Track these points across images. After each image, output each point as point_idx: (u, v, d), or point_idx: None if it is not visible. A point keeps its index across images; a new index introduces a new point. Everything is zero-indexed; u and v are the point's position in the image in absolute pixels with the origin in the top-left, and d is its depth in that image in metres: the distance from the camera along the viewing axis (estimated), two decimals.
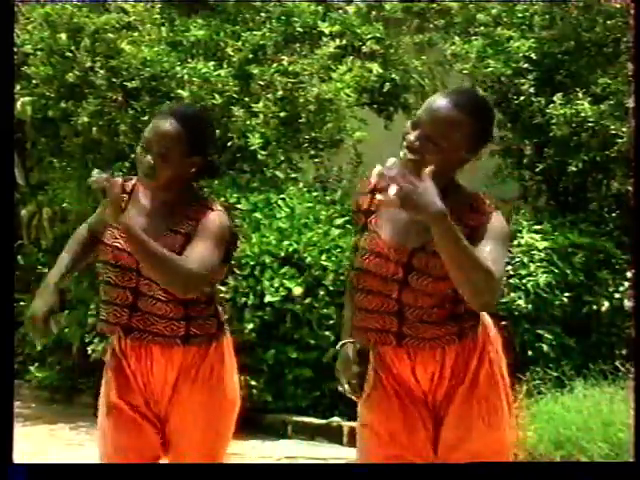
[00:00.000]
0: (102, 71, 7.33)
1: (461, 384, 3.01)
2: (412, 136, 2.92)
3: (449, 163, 2.92)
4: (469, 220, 2.92)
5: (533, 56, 7.19)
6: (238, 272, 6.77)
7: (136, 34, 7.39)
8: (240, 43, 7.47)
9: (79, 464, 3.74)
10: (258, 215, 7.06)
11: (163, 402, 3.34)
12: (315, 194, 7.44)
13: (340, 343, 3.26)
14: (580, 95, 6.97)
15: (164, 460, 3.46)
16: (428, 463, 3.07)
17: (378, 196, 2.72)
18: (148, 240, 3.13)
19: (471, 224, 2.91)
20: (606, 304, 6.79)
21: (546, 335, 6.61)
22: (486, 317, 3.07)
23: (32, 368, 8.18)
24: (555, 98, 7.02)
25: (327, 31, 7.64)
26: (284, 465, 4.18)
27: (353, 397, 3.20)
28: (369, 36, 7.86)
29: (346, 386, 3.22)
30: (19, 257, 8.34)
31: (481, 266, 2.75)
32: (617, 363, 6.48)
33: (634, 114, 6.36)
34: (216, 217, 3.26)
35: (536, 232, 6.87)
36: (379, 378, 3.08)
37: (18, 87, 7.46)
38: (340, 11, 7.89)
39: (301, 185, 7.51)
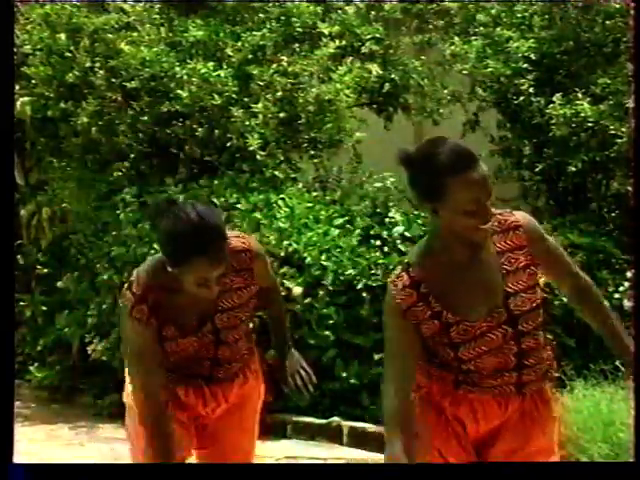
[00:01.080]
0: (101, 71, 7.33)
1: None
2: (489, 209, 2.86)
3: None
4: (504, 244, 2.95)
5: (532, 56, 7.18)
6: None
7: (135, 34, 7.38)
8: (239, 43, 7.47)
9: (79, 464, 3.75)
10: (258, 215, 7.05)
11: (211, 416, 3.53)
12: (315, 194, 7.44)
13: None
14: (579, 95, 6.96)
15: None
16: (427, 463, 3.04)
17: None
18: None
19: (508, 247, 2.95)
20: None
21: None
22: None
23: (32, 368, 8.18)
24: (554, 98, 7.01)
25: (327, 32, 7.63)
26: (284, 465, 4.17)
27: None
28: (369, 36, 7.85)
29: None
30: (19, 257, 8.33)
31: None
32: (617, 363, 6.45)
33: (634, 114, 6.35)
34: (261, 253, 3.44)
35: None
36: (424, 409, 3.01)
37: (17, 87, 7.46)
38: (339, 12, 7.88)
39: (300, 185, 7.50)
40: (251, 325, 3.58)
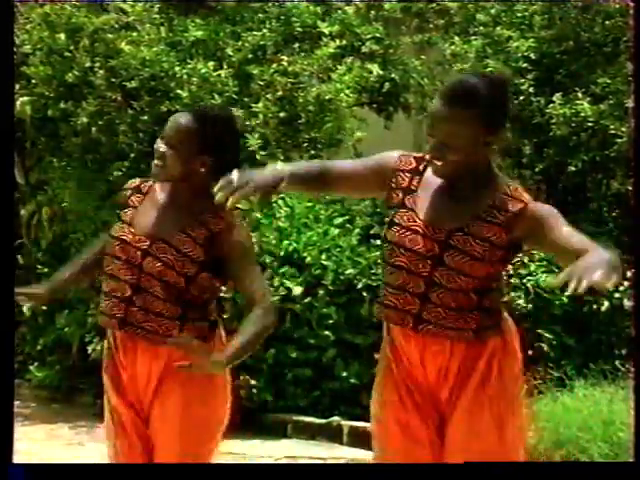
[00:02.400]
0: (101, 71, 7.31)
1: (466, 385, 3.01)
2: (428, 147, 2.99)
3: (474, 153, 2.96)
4: (501, 204, 2.98)
5: (532, 56, 7.18)
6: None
7: (135, 34, 7.38)
8: (239, 43, 7.46)
9: (79, 464, 3.74)
10: (258, 215, 7.06)
11: (146, 399, 3.34)
12: None
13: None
14: (579, 95, 6.96)
15: None
16: (427, 463, 3.06)
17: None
18: (242, 347, 3.20)
19: (507, 208, 2.97)
20: (606, 304, 6.78)
21: (546, 335, 6.60)
22: (508, 323, 3.10)
23: (32, 367, 8.18)
24: (554, 98, 7.02)
25: (327, 31, 7.63)
26: (283, 465, 4.15)
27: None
28: (369, 36, 7.85)
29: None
30: (19, 256, 8.34)
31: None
32: (617, 363, 6.48)
33: (634, 114, 6.34)
34: (244, 233, 3.41)
35: None
36: (390, 368, 3.09)
37: (17, 87, 7.44)
38: (339, 11, 7.88)
39: None
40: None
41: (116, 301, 3.32)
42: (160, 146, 3.31)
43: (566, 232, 2.92)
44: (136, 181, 3.48)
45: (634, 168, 6.22)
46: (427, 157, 3.03)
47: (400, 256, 3.01)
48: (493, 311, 3.04)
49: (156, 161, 3.32)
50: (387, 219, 3.11)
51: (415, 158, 3.10)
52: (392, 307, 3.02)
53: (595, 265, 2.66)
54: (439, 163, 2.97)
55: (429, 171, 3.04)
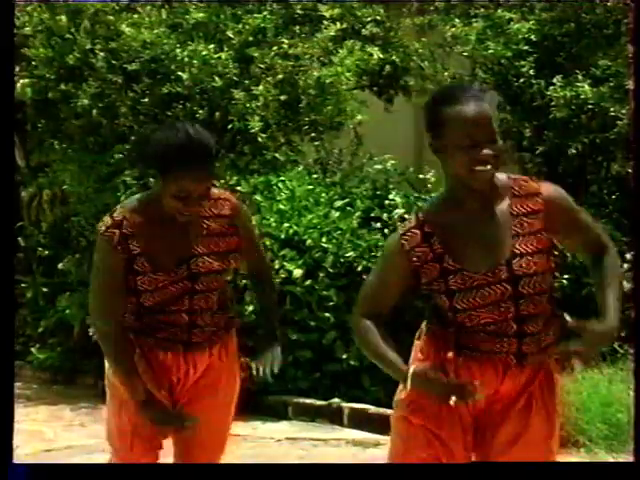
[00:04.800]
0: (102, 53, 7.31)
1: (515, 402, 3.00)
2: (478, 153, 2.83)
3: (502, 155, 2.91)
4: (520, 208, 2.92)
5: (533, 38, 7.16)
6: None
7: (136, 16, 7.37)
8: (240, 26, 7.45)
9: (79, 464, 3.71)
10: (258, 197, 7.06)
11: (187, 385, 3.45)
12: (315, 176, 7.43)
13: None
14: (580, 77, 6.95)
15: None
16: (428, 463, 3.00)
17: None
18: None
19: (523, 211, 2.92)
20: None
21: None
22: None
23: (33, 349, 8.20)
24: (555, 80, 7.00)
25: (327, 14, 7.62)
26: (283, 465, 4.13)
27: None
28: (369, 19, 7.84)
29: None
30: (20, 239, 8.34)
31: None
32: (615, 345, 6.48)
33: (634, 99, 6.32)
34: (243, 208, 3.48)
35: None
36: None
37: (18, 69, 7.44)
38: None
39: (301, 167, 7.50)
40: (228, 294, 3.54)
41: (176, 330, 3.38)
42: (190, 187, 3.22)
43: (581, 224, 3.00)
44: (114, 233, 3.29)
45: (634, 154, 6.21)
46: (489, 163, 2.84)
47: (481, 316, 2.90)
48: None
49: (190, 204, 3.25)
50: (437, 291, 2.92)
51: (414, 227, 2.93)
52: (489, 352, 2.93)
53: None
54: (491, 168, 2.85)
55: (437, 224, 2.90)
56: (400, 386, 3.02)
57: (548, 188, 2.97)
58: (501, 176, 2.96)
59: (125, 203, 3.42)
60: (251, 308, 6.64)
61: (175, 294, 3.33)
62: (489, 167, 2.84)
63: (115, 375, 3.38)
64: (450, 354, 2.95)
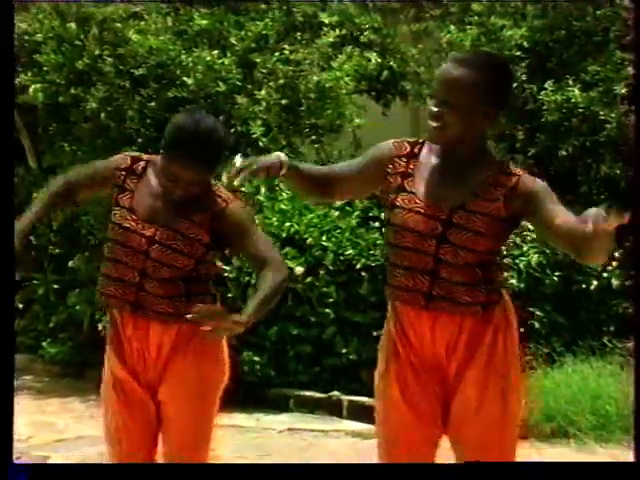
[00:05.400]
0: (110, 59, 7.32)
1: (473, 359, 3.00)
2: (430, 105, 2.98)
3: (472, 123, 2.96)
4: (496, 180, 2.98)
5: (525, 44, 7.17)
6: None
7: (142, 23, 7.38)
8: (243, 32, 7.46)
9: (79, 464, 3.66)
10: (261, 197, 7.06)
11: (155, 372, 3.35)
12: None
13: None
14: (570, 82, 6.95)
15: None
16: (428, 463, 3.04)
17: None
18: (259, 304, 3.19)
19: (502, 183, 2.97)
20: (595, 283, 6.80)
21: (537, 312, 6.61)
22: (508, 299, 3.09)
23: (44, 344, 8.20)
24: (547, 85, 7.01)
25: (327, 21, 7.63)
26: (285, 465, 4.08)
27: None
28: (367, 26, 7.84)
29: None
30: (32, 237, 8.34)
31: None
32: (605, 339, 6.49)
33: (634, 97, 6.28)
34: (244, 206, 3.40)
35: None
36: (396, 348, 3.08)
37: (30, 74, 7.46)
38: (339, 2, 7.87)
39: None
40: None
41: (125, 285, 3.31)
42: (178, 172, 3.23)
43: (558, 209, 2.91)
44: (127, 160, 3.38)
45: (635, 153, 6.18)
46: (430, 116, 2.98)
47: (406, 237, 3.01)
48: (497, 286, 3.05)
49: (177, 187, 3.24)
50: (387, 203, 3.08)
51: (409, 143, 3.10)
52: (403, 288, 3.02)
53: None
54: (436, 124, 2.96)
55: (424, 153, 3.06)
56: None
57: (529, 178, 3.00)
58: (495, 156, 3.07)
59: (146, 156, 3.44)
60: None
61: (134, 247, 3.29)
62: (434, 124, 2.96)
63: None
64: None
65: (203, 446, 3.39)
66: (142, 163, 3.39)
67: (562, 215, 2.88)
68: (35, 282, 8.33)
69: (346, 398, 6.56)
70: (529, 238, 6.73)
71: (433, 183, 3.03)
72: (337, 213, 6.94)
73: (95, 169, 3.49)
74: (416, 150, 3.08)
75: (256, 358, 6.69)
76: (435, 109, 2.96)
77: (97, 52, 7.37)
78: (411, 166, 3.06)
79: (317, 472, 3.10)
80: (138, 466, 3.31)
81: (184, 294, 3.30)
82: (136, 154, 3.44)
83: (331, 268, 6.71)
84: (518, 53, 7.17)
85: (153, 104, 7.32)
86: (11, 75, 3.56)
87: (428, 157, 3.06)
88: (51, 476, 2.97)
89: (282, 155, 3.04)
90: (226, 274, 6.67)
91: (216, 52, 7.24)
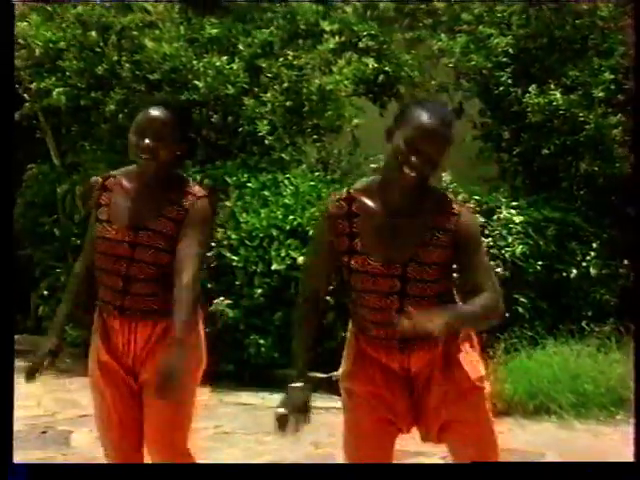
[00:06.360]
0: (127, 65, 7.34)
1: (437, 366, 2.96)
2: (414, 158, 2.78)
3: (436, 173, 2.86)
4: (436, 221, 2.86)
5: (511, 51, 7.18)
6: (249, 243, 6.80)
7: (157, 32, 7.39)
8: (250, 39, 7.47)
9: (79, 464, 3.56)
10: (266, 193, 7.08)
11: (140, 358, 3.32)
12: (317, 174, 7.46)
13: (295, 386, 3.09)
14: (552, 86, 6.97)
15: None
16: (428, 463, 3.08)
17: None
18: (185, 325, 3.09)
19: (437, 225, 2.86)
20: (574, 271, 6.82)
21: (521, 299, 6.63)
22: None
23: (67, 328, 8.22)
24: (530, 89, 7.03)
25: (327, 29, 7.62)
26: (282, 465, 3.96)
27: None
28: (365, 33, 7.84)
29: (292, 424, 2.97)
30: (55, 230, 8.39)
31: (493, 310, 2.80)
32: (583, 323, 6.53)
33: (634, 96, 6.28)
34: (203, 206, 3.25)
35: (513, 208, 6.90)
36: (361, 355, 3.03)
37: (53, 79, 7.49)
38: (339, 11, 7.88)
39: (305, 166, 7.52)
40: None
41: (112, 292, 3.29)
42: (143, 140, 3.19)
43: (475, 262, 2.84)
44: (99, 180, 3.37)
45: (635, 152, 6.18)
46: (411, 166, 2.77)
47: (369, 298, 2.90)
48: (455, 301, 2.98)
49: (144, 155, 3.21)
50: (342, 263, 2.93)
51: (344, 200, 2.92)
52: (379, 337, 2.93)
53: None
54: (415, 174, 2.79)
55: (362, 206, 2.88)
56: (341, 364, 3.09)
57: (467, 216, 2.88)
58: (435, 189, 2.92)
59: (114, 172, 3.41)
60: (260, 291, 6.68)
61: (118, 254, 3.25)
62: (414, 174, 2.78)
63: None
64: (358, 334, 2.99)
65: (183, 426, 3.34)
66: (112, 179, 3.35)
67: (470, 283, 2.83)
68: (58, 271, 8.37)
69: None
70: (514, 230, 6.77)
71: (382, 240, 2.87)
72: None
73: (90, 230, 3.42)
74: (354, 208, 2.90)
75: (261, 341, 6.73)
76: (419, 164, 2.78)
77: (115, 58, 7.39)
78: (354, 226, 2.89)
79: (317, 472, 3.01)
80: (138, 466, 3.24)
81: (168, 290, 3.19)
82: (106, 174, 3.41)
83: None
84: (504, 59, 7.20)
85: None
86: (11, 75, 3.44)
87: (367, 207, 2.89)
88: (51, 476, 2.83)
89: (297, 385, 3.03)
90: (234, 263, 6.71)
91: (225, 58, 7.26)
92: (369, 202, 2.90)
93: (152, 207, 3.25)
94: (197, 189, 3.30)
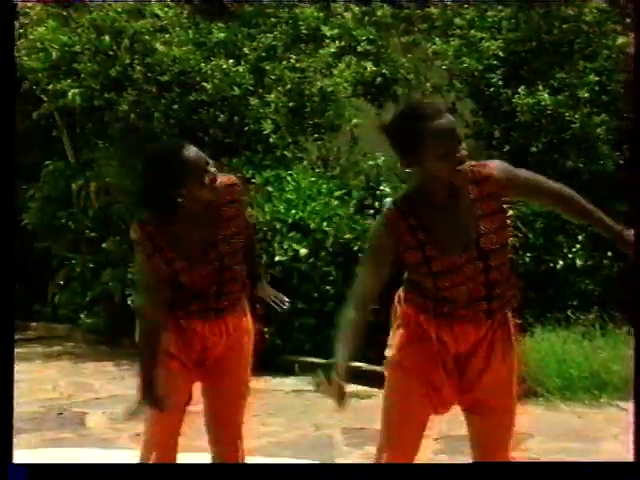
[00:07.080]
0: (139, 67, 7.34)
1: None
2: (452, 157, 2.81)
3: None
4: (478, 192, 2.90)
5: (501, 54, 7.17)
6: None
7: (167, 36, 7.40)
8: (255, 43, 7.48)
9: (79, 464, 3.49)
10: (270, 188, 7.09)
11: (217, 348, 3.37)
12: (318, 170, 7.46)
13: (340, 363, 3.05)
14: (540, 87, 6.96)
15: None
16: (428, 463, 3.01)
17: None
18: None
19: (480, 194, 2.90)
20: (561, 263, 6.82)
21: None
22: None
23: (82, 315, 8.26)
24: (520, 90, 7.02)
25: (328, 34, 7.63)
26: (282, 465, 3.94)
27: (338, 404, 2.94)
28: (364, 38, 7.84)
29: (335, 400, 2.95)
30: (70, 223, 8.41)
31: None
32: (569, 312, 6.53)
33: (634, 93, 6.28)
34: (241, 185, 3.36)
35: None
36: (416, 333, 3.00)
37: (69, 81, 7.50)
38: (339, 16, 7.88)
39: (306, 163, 7.53)
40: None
41: (205, 300, 3.27)
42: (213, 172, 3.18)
43: (531, 183, 3.01)
44: (137, 230, 3.22)
45: (634, 149, 6.17)
46: (465, 164, 2.83)
47: (461, 290, 2.91)
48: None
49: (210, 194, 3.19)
50: (423, 272, 2.89)
51: (398, 204, 2.92)
52: (462, 316, 2.93)
53: None
54: (461, 167, 2.85)
55: (416, 204, 2.89)
56: (388, 343, 3.06)
57: (495, 169, 2.93)
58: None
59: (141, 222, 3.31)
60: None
61: (206, 277, 3.25)
62: (460, 168, 2.83)
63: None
64: (427, 320, 2.96)
65: (247, 396, 3.49)
66: (148, 227, 3.23)
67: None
68: (73, 262, 8.39)
69: None
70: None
71: (446, 232, 2.88)
72: (337, 202, 6.97)
73: (152, 270, 3.23)
74: (411, 221, 2.89)
75: (265, 329, 6.74)
76: (465, 152, 2.84)
77: (128, 61, 7.40)
78: (416, 230, 2.88)
79: (317, 472, 2.92)
80: (138, 466, 3.19)
81: (243, 282, 3.39)
82: (134, 226, 3.26)
83: (331, 250, 6.74)
84: (495, 62, 7.19)
85: (176, 106, 7.35)
86: (12, 75, 3.37)
87: (420, 215, 2.89)
88: (51, 476, 2.74)
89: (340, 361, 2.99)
90: None
91: (231, 61, 7.27)
92: (419, 211, 2.89)
93: (211, 219, 3.30)
94: (231, 178, 3.38)
